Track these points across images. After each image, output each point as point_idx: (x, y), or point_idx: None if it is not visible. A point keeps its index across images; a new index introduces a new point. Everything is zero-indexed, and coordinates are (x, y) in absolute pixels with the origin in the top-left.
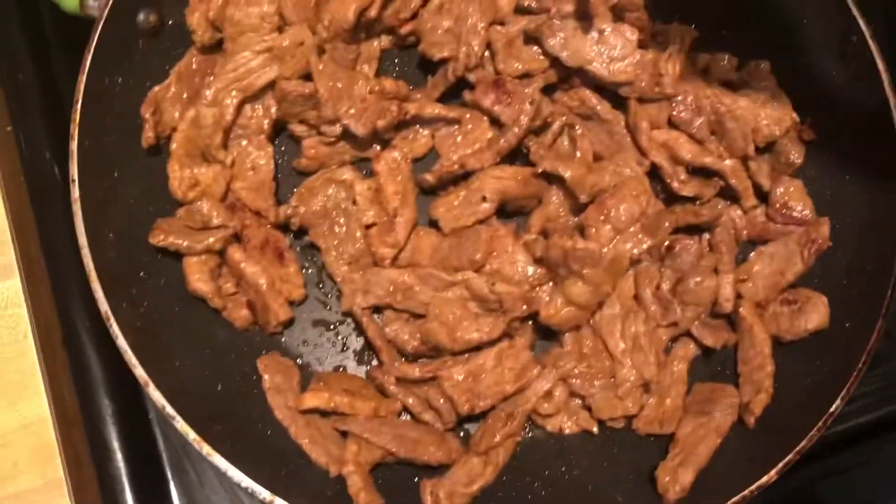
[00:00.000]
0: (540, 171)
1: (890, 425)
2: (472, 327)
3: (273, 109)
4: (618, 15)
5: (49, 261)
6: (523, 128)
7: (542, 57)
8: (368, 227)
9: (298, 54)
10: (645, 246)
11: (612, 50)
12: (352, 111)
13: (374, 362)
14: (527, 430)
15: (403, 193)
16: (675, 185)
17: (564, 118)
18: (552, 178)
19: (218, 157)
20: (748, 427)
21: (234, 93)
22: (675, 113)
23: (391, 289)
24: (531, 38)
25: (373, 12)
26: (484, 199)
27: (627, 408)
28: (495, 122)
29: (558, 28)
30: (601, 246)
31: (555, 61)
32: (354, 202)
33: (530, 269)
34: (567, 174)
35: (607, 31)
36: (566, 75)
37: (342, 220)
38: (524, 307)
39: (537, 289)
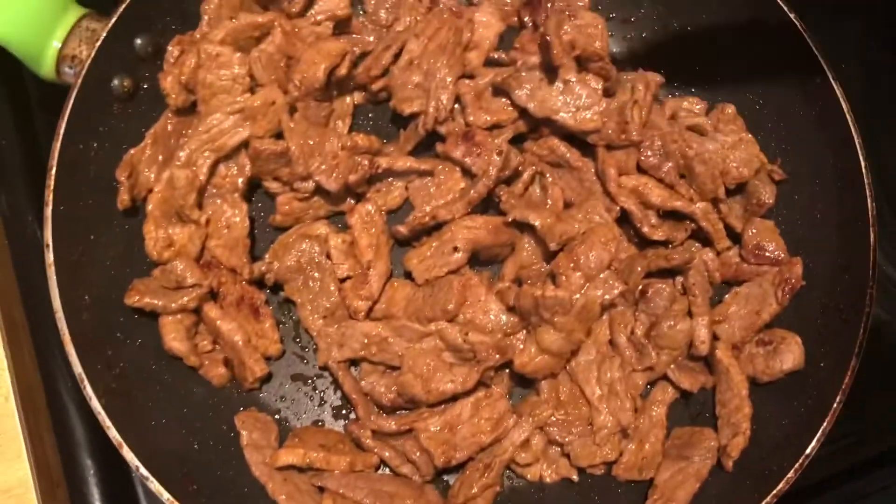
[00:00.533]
0: (510, 219)
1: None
2: (446, 378)
3: (247, 168)
4: (582, 65)
5: (31, 324)
6: (493, 178)
7: (510, 108)
8: (343, 280)
9: (270, 113)
10: (616, 292)
11: (577, 99)
12: (323, 167)
13: (352, 416)
14: (509, 479)
15: (377, 246)
16: (646, 229)
17: (534, 167)
18: (524, 227)
19: (192, 217)
20: (727, 470)
21: (206, 153)
22: (643, 158)
23: (366, 342)
24: (499, 91)
25: (343, 70)
26: (456, 249)
27: (606, 454)
28: (467, 173)
29: (525, 80)
30: (571, 293)
31: (523, 112)
32: (328, 256)
33: (503, 318)
34: (537, 222)
35: (572, 81)
36: (535, 125)
37: (316, 275)
38: (497, 356)
39: (511, 337)
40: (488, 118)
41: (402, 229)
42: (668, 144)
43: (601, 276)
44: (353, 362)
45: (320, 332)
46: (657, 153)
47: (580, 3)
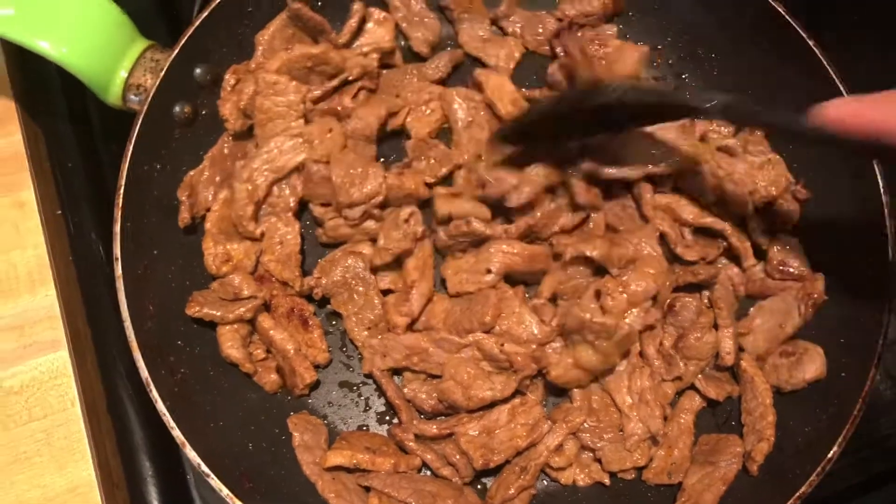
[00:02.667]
0: (568, 258)
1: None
2: (485, 386)
3: (299, 188)
4: None
5: (95, 333)
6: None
7: None
8: (385, 293)
9: (327, 140)
10: (653, 319)
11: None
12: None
13: (395, 421)
14: (543, 482)
15: (423, 269)
16: (680, 250)
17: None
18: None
19: (248, 230)
20: (752, 474)
21: (266, 173)
22: (679, 179)
23: (408, 352)
24: None
25: (398, 122)
26: (489, 271)
27: (636, 460)
28: None
29: None
30: (617, 322)
31: None
32: (373, 270)
33: (536, 329)
34: (595, 253)
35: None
36: None
37: (361, 289)
38: (533, 366)
39: (545, 347)
40: None
41: (443, 235)
42: (701, 165)
43: (644, 304)
44: (396, 371)
45: (364, 343)
46: (691, 174)
47: (609, 33)
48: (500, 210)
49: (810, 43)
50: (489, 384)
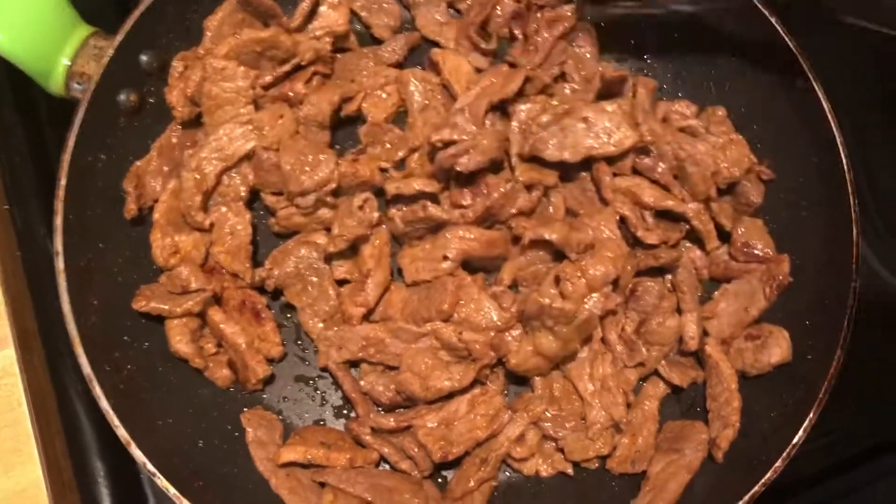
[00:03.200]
0: (527, 241)
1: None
2: (443, 376)
3: (250, 177)
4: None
5: (43, 330)
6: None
7: None
8: (340, 283)
9: (277, 127)
10: (613, 304)
11: (604, 126)
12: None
13: (352, 415)
14: (506, 473)
15: (378, 257)
16: (641, 233)
17: (540, 187)
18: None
19: (197, 220)
20: (717, 462)
21: (215, 161)
22: (637, 160)
23: (364, 344)
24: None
25: (352, 108)
26: (445, 257)
27: (599, 449)
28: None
29: (546, 137)
30: (578, 307)
31: None
32: (327, 260)
33: (495, 316)
34: (553, 237)
35: (590, 116)
36: None
37: (315, 280)
38: (492, 354)
39: (505, 334)
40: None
41: (398, 221)
42: (661, 146)
43: (604, 289)
44: (353, 363)
45: (320, 336)
46: (651, 155)
47: (567, 14)
48: (450, 184)
49: (773, 20)
50: (447, 374)
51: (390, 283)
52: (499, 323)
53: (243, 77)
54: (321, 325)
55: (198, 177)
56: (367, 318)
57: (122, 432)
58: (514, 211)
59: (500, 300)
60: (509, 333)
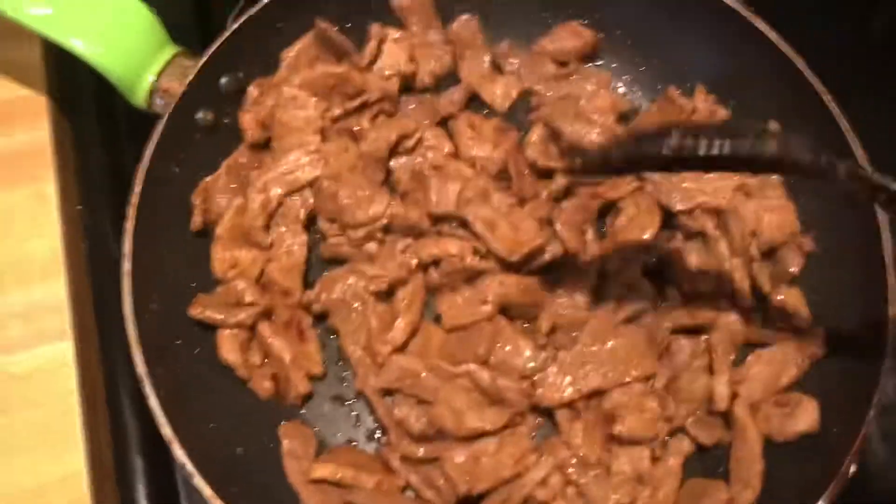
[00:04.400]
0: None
1: None
2: (476, 416)
3: (310, 201)
4: None
5: (100, 328)
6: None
7: None
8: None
9: (342, 159)
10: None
11: None
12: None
13: (384, 439)
14: None
15: (412, 300)
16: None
17: None
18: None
19: (258, 238)
20: None
21: (280, 185)
22: None
23: (400, 374)
24: None
25: (410, 144)
26: (485, 302)
27: (619, 499)
28: None
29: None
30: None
31: None
32: (371, 293)
33: (529, 353)
34: None
35: None
36: None
37: (359, 308)
38: (525, 402)
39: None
40: None
41: (435, 274)
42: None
43: None
44: (388, 392)
45: (359, 361)
46: None
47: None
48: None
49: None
50: (481, 415)
51: (419, 327)
52: (535, 365)
53: (314, 107)
54: (360, 352)
55: (263, 198)
56: (397, 352)
57: (166, 431)
58: (547, 258)
59: (537, 340)
60: (546, 372)
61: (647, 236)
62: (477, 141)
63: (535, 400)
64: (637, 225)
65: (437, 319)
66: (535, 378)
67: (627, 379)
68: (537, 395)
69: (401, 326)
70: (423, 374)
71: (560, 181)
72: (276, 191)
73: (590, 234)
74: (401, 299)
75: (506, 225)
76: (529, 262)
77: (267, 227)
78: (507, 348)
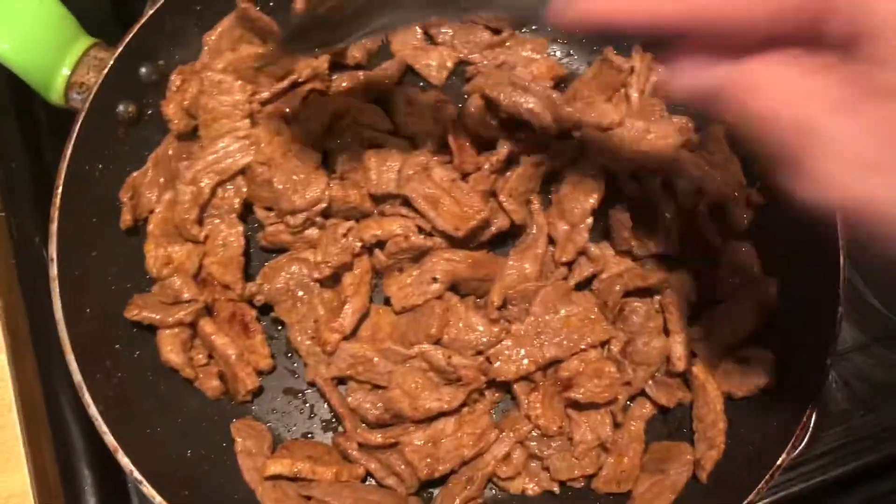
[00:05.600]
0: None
1: (851, 481)
2: (432, 396)
3: (243, 190)
4: None
5: (34, 336)
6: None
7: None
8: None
9: (274, 143)
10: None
11: None
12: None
13: (340, 429)
14: (492, 490)
15: (358, 284)
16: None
17: None
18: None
19: (192, 233)
20: (702, 482)
21: (210, 174)
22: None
23: (352, 361)
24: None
25: (345, 122)
26: (434, 279)
27: (585, 468)
28: None
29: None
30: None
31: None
32: (316, 280)
33: (483, 328)
34: None
35: None
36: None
37: (305, 297)
38: (482, 378)
39: (495, 349)
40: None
41: (381, 256)
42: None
43: None
44: (341, 380)
45: (308, 351)
46: None
47: None
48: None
49: None
50: (437, 395)
51: (369, 310)
52: (488, 339)
53: (240, 91)
54: (308, 342)
55: (194, 190)
56: (349, 339)
57: (109, 439)
58: (493, 230)
59: (489, 315)
60: (500, 346)
61: (592, 201)
62: (414, 116)
63: (491, 374)
64: (581, 191)
65: (387, 302)
66: (491, 353)
67: (583, 346)
68: (494, 368)
69: (349, 312)
70: (375, 360)
71: (502, 151)
72: (207, 181)
73: (535, 204)
74: (347, 284)
75: (449, 200)
76: (476, 236)
77: (200, 221)
78: (460, 325)
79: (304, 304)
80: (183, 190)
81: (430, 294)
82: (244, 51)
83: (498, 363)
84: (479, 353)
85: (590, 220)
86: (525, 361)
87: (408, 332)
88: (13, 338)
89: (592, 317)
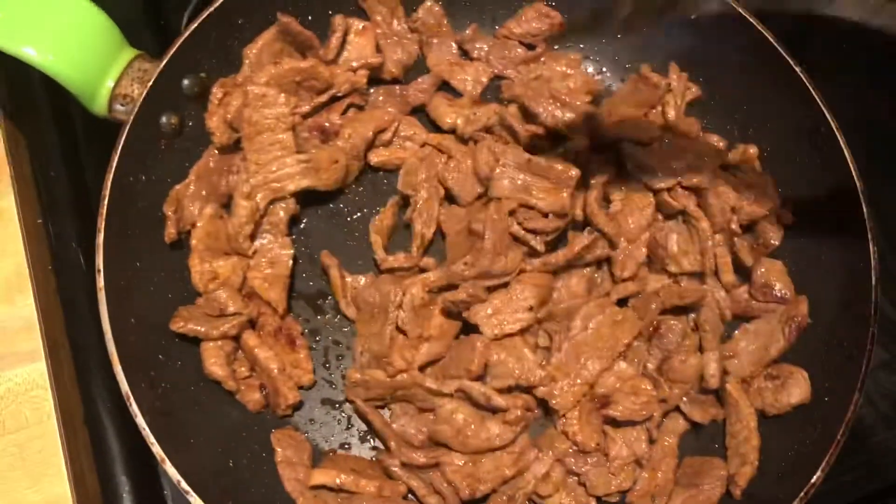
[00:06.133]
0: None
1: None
2: (482, 436)
3: (292, 206)
4: None
5: (73, 345)
6: None
7: None
8: (399, 329)
9: (331, 170)
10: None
11: None
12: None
13: (377, 440)
14: None
15: (443, 329)
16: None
17: None
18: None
19: (244, 247)
20: (735, 498)
21: (266, 191)
22: None
23: (392, 390)
24: None
25: (387, 136)
26: (530, 308)
27: (620, 483)
28: None
29: None
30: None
31: None
32: (400, 306)
33: (526, 363)
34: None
35: None
36: None
37: (381, 319)
38: (530, 416)
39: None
40: None
41: (450, 304)
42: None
43: None
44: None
45: (349, 378)
46: None
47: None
48: None
49: (797, 70)
50: (486, 433)
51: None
52: (531, 371)
53: (284, 104)
54: (364, 360)
55: (253, 205)
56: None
57: (157, 449)
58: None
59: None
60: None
61: (648, 215)
62: (456, 108)
63: (553, 408)
64: (635, 206)
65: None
66: (542, 391)
67: (621, 348)
68: (553, 405)
69: (425, 353)
70: (414, 391)
71: (580, 141)
72: (261, 197)
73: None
74: (436, 325)
75: (537, 180)
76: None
77: (253, 236)
78: (503, 355)
79: (377, 325)
80: (243, 205)
81: (525, 322)
82: (286, 65)
83: (555, 401)
84: (524, 389)
85: (646, 235)
86: (577, 385)
87: (448, 367)
88: (52, 345)
89: (619, 318)
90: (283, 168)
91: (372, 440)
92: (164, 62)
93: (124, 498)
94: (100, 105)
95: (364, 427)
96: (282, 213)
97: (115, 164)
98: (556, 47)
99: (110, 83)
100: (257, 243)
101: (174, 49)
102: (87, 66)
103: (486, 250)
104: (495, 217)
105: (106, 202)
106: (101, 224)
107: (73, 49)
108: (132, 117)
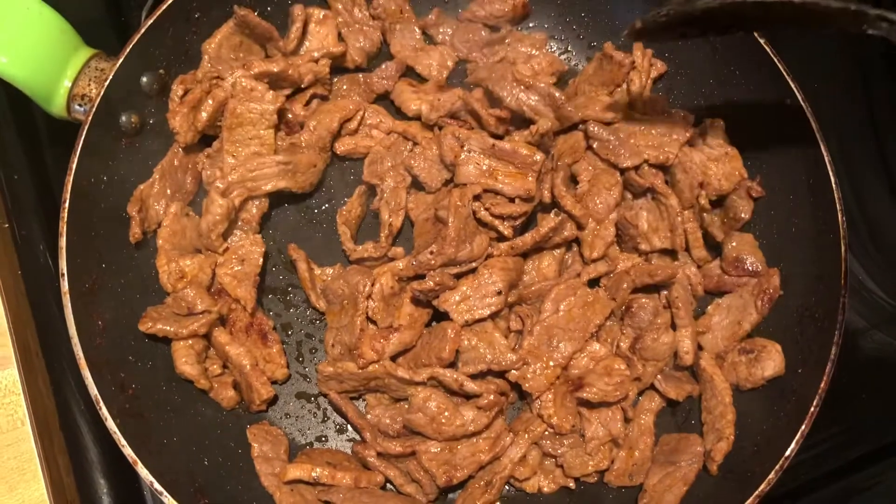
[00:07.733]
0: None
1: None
2: (456, 422)
3: (264, 204)
4: None
5: (45, 350)
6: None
7: None
8: (368, 318)
9: (309, 174)
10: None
11: None
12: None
13: (354, 433)
14: (507, 488)
15: (414, 318)
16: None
17: None
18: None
19: (216, 245)
20: (712, 474)
21: (242, 189)
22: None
23: (365, 381)
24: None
25: (353, 125)
26: (498, 292)
27: (597, 463)
28: None
29: None
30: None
31: None
32: (370, 296)
33: (498, 348)
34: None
35: None
36: None
37: (351, 310)
38: (503, 400)
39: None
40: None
41: (419, 294)
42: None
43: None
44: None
45: (321, 371)
46: None
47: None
48: None
49: (762, 41)
50: (460, 419)
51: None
52: (504, 356)
53: (271, 101)
54: (338, 349)
55: (228, 203)
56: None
57: (128, 451)
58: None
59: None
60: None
61: (615, 195)
62: (420, 94)
63: (526, 390)
64: (602, 186)
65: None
66: (515, 375)
67: (592, 329)
68: (526, 388)
69: (395, 342)
70: (387, 381)
71: (544, 125)
72: (236, 194)
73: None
74: (405, 314)
75: (501, 165)
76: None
77: (226, 234)
78: (474, 342)
79: (347, 317)
80: (218, 202)
81: (495, 307)
82: (257, 67)
83: (528, 384)
84: (497, 374)
85: (614, 215)
86: (550, 368)
87: (420, 354)
88: (23, 351)
89: (590, 299)
90: (261, 168)
91: (349, 431)
92: (121, 60)
93: (103, 499)
94: (58, 106)
95: (340, 420)
96: (255, 211)
97: (74, 166)
98: (519, 28)
99: (67, 84)
100: (228, 241)
101: (130, 46)
102: (42, 68)
103: (451, 238)
104: (459, 204)
105: (67, 205)
106: (63, 227)
107: (26, 51)
108: (90, 117)
